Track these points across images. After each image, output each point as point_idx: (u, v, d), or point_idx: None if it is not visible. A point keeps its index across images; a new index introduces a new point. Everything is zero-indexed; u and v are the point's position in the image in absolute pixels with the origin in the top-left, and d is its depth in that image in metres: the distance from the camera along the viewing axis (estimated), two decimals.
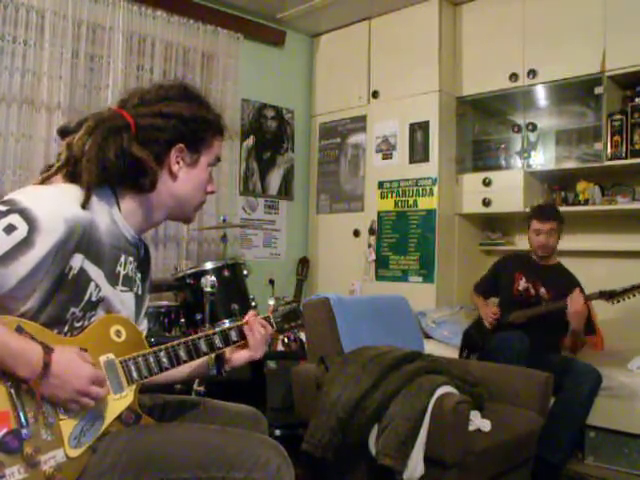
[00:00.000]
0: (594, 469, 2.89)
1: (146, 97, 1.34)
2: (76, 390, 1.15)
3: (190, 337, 1.43)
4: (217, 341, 1.47)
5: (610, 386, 2.85)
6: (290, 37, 4.67)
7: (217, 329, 1.50)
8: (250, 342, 1.50)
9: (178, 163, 1.35)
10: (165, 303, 3.09)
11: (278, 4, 4.33)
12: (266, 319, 1.57)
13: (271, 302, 1.73)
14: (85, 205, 1.21)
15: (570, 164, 3.73)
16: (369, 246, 4.31)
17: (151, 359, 1.32)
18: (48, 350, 1.12)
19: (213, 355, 1.51)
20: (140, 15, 3.77)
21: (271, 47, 4.60)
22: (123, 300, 1.34)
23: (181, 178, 1.36)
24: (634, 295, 2.80)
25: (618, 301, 2.83)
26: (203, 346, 1.44)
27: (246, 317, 1.53)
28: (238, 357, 1.52)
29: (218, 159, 1.45)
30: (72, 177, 1.25)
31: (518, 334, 2.81)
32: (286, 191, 4.69)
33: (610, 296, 2.82)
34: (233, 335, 1.50)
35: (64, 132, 1.31)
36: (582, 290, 3.01)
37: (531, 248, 3.16)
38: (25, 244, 1.11)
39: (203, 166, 1.39)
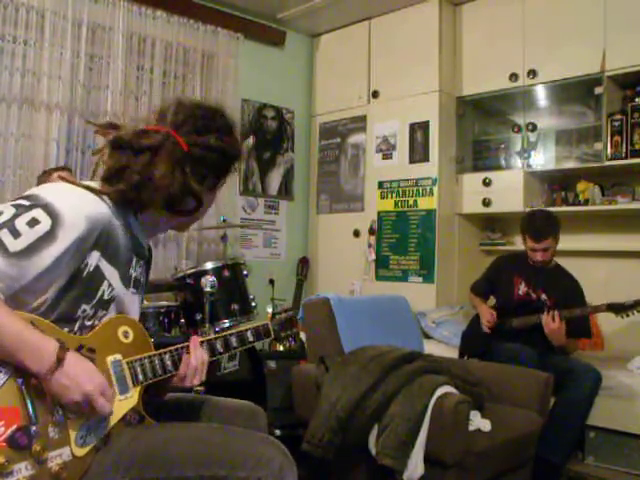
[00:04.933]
0: (594, 469, 2.88)
1: (198, 124, 1.33)
2: (85, 394, 1.12)
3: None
4: (218, 346, 1.48)
5: (610, 386, 2.85)
6: (290, 37, 4.67)
7: (223, 334, 1.50)
8: (182, 369, 1.37)
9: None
10: (165, 303, 3.08)
11: (278, 4, 4.33)
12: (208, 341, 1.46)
13: (269, 309, 1.71)
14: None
15: (570, 164, 3.72)
16: (369, 246, 4.31)
17: (156, 362, 1.33)
18: (63, 347, 1.12)
19: None
20: (140, 15, 3.77)
21: (271, 47, 4.60)
22: (133, 302, 1.36)
23: None
24: None
25: (627, 315, 2.78)
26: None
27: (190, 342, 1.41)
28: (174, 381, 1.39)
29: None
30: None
31: (528, 351, 2.79)
32: (286, 191, 4.69)
33: (619, 310, 2.77)
34: (233, 341, 1.50)
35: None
36: (582, 296, 2.99)
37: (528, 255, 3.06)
38: (48, 238, 1.13)
39: (215, 190, 1.41)
